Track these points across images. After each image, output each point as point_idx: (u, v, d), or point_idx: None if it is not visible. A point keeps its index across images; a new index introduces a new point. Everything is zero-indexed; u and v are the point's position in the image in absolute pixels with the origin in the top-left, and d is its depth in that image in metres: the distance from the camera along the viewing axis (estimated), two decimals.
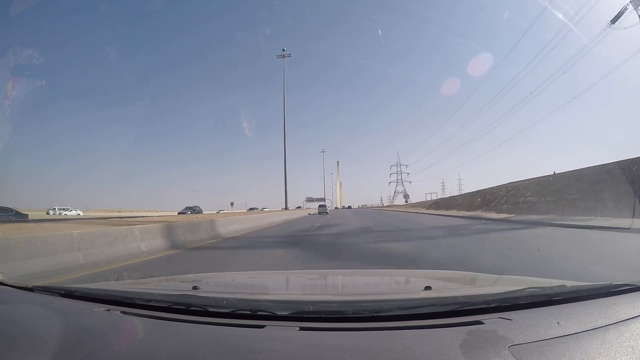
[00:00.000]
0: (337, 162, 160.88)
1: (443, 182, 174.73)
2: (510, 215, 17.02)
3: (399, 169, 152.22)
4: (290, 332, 0.96)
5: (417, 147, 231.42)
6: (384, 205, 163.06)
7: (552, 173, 20.84)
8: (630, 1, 16.12)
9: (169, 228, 8.66)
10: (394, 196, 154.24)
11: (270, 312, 1.08)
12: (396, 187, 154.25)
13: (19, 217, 20.37)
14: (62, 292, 1.45)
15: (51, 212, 37.97)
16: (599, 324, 0.92)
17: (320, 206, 48.39)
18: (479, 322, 0.96)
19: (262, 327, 0.99)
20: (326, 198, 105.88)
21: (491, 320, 0.97)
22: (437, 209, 36.81)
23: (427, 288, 1.28)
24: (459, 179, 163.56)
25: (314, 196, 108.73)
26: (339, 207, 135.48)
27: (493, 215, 18.64)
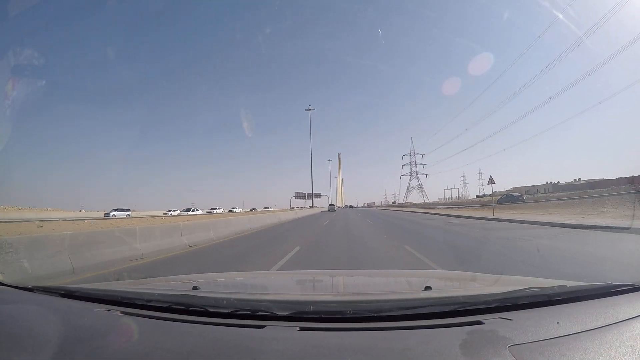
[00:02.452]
0: (338, 155, 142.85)
1: (464, 176, 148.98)
2: None
3: (413, 160, 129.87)
4: (290, 332, 0.96)
5: (433, 135, 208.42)
6: (394, 203, 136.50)
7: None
8: None
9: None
10: (407, 192, 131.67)
11: (270, 312, 1.08)
12: (410, 181, 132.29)
13: None
14: (62, 292, 1.45)
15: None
16: (599, 324, 0.92)
17: (330, 205, 69.54)
18: (479, 322, 0.96)
19: (262, 327, 0.99)
20: (322, 194, 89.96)
21: (491, 320, 0.97)
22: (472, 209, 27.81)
23: (427, 288, 1.28)
24: (480, 173, 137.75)
25: (306, 191, 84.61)
26: (340, 206, 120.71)
27: None
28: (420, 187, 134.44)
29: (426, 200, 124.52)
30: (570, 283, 1.28)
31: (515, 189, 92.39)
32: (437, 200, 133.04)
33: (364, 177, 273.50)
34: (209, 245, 9.49)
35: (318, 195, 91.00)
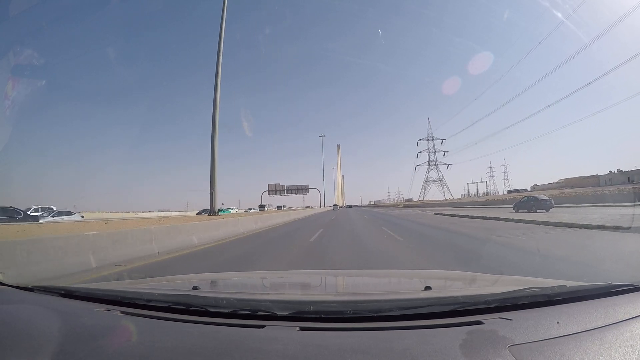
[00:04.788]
0: (338, 146, 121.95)
1: (491, 167, 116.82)
2: None
3: (431, 146, 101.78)
4: (290, 332, 0.96)
5: (454, 116, 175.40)
6: (408, 201, 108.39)
7: None
8: None
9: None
10: (424, 187, 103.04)
11: (270, 312, 1.08)
12: (427, 172, 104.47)
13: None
14: (62, 292, 1.46)
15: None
16: (599, 324, 0.92)
17: (333, 205, 73.96)
18: (479, 322, 0.96)
19: (262, 327, 1.00)
20: (308, 186, 68.42)
21: (491, 320, 0.97)
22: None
23: (427, 288, 1.28)
24: (505, 165, 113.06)
25: (284, 182, 67.26)
26: (340, 205, 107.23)
27: None
28: (441, 180, 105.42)
29: (448, 197, 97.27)
30: (570, 283, 1.28)
31: (567, 181, 68.49)
32: (460, 197, 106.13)
33: (367, 175, 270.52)
34: None
35: (304, 190, 67.25)
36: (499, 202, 42.25)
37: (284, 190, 65.18)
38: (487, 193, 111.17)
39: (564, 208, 22.81)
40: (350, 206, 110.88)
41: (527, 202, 23.44)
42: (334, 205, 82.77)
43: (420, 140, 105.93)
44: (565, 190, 47.20)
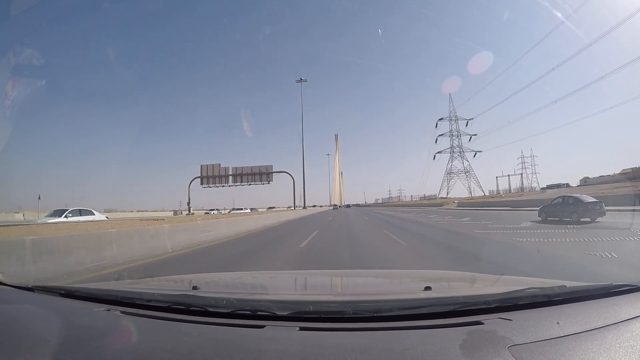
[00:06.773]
0: (336, 136, 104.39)
1: (522, 157, 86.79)
2: None
3: (454, 128, 75.45)
4: (290, 332, 0.96)
5: (480, 92, 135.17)
6: (425, 199, 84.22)
7: None
8: None
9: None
10: (446, 180, 77.59)
11: (270, 312, 1.09)
12: (451, 162, 79.02)
13: None
14: (62, 292, 1.46)
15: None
16: (599, 324, 0.92)
17: (333, 205, 75.70)
18: (479, 323, 0.96)
19: (262, 327, 1.00)
20: (272, 167, 39.32)
21: (491, 321, 0.97)
22: None
23: (427, 288, 1.28)
24: (533, 157, 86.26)
25: (226, 163, 40.42)
26: (338, 204, 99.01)
27: None
28: (468, 172, 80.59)
29: (479, 194, 73.59)
30: (570, 283, 1.28)
31: (637, 172, 45.61)
32: (488, 193, 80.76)
33: (372, 172, 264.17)
34: None
35: (265, 175, 38.54)
36: (524, 202, 26.67)
37: (227, 176, 34.65)
38: (522, 188, 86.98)
39: (626, 214, 13.51)
40: (348, 206, 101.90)
41: (561, 205, 14.19)
42: (334, 205, 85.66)
43: (440, 120, 78.59)
44: (637, 184, 31.95)
